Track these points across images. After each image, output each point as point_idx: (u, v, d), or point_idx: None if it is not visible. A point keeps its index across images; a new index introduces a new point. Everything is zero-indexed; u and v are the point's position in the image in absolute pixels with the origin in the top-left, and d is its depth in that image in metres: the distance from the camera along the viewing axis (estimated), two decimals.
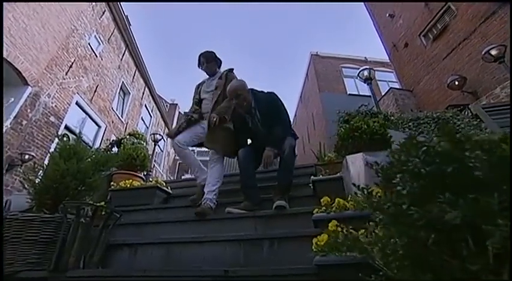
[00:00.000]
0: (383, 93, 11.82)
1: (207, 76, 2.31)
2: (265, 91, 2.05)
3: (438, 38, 5.56)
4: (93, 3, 6.71)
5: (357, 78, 4.35)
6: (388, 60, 13.14)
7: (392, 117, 3.18)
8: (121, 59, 8.59)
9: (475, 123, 2.62)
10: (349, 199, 1.16)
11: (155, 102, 11.97)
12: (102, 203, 2.14)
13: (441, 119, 2.84)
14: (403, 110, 5.72)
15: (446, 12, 5.50)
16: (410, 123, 2.95)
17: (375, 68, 12.55)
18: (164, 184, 2.52)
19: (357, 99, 11.58)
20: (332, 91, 11.83)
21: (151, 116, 11.67)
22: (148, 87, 10.90)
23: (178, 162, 16.79)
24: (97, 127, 7.22)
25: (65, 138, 1.87)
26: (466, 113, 3.02)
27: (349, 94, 11.79)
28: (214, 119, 1.90)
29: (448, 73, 5.16)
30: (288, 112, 1.99)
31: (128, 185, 2.42)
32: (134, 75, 9.65)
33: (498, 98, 4.02)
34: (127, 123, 9.09)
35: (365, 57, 13.34)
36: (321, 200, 1.23)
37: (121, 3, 7.57)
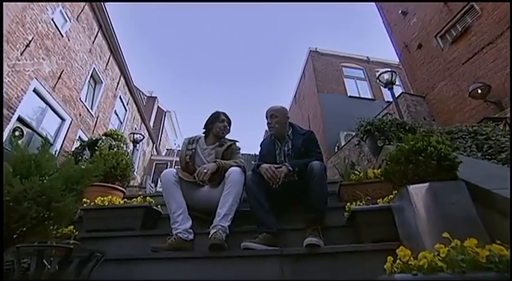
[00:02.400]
0: (386, 98, 12.09)
1: (196, 134, 2.26)
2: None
3: (458, 41, 5.57)
4: None
5: (376, 81, 4.20)
6: (393, 62, 13.51)
7: (421, 130, 3.02)
8: (93, 42, 8.01)
9: None
10: (437, 250, 0.91)
11: (131, 94, 11.38)
12: (71, 227, 1.82)
13: (479, 134, 2.70)
14: (416, 118, 5.68)
15: (468, 12, 5.52)
16: (425, 135, 2.78)
17: (377, 69, 12.71)
18: (153, 201, 2.18)
19: (357, 102, 11.79)
20: (331, 92, 11.82)
21: (126, 110, 11.08)
22: (124, 76, 10.32)
23: (155, 162, 16.18)
24: (60, 120, 6.64)
25: (16, 133, 1.49)
26: (505, 127, 2.91)
27: (350, 96, 11.84)
28: (205, 171, 1.80)
29: (467, 80, 5.16)
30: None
31: (107, 203, 2.07)
32: (108, 61, 9.07)
33: None
34: (98, 117, 8.51)
35: (367, 57, 13.49)
36: (397, 250, 0.98)
37: None
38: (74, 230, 1.80)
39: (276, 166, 1.82)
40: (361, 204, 1.73)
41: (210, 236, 1.59)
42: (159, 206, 2.24)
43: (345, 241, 1.67)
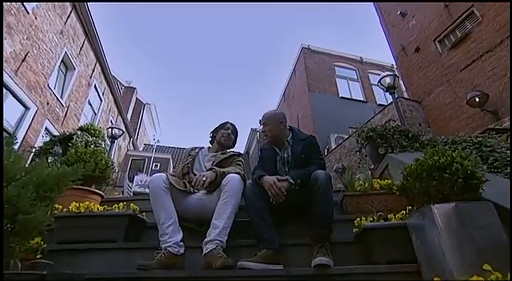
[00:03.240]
0: (378, 100, 12.34)
1: (201, 145, 2.30)
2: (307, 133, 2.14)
3: (457, 46, 5.73)
4: None
5: (377, 85, 4.21)
6: (386, 63, 13.83)
7: (423, 138, 3.04)
8: (65, 23, 7.56)
9: None
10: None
11: (108, 84, 10.91)
12: (38, 239, 1.63)
13: (483, 146, 2.74)
14: (411, 123, 5.79)
15: (468, 18, 5.69)
16: (446, 147, 2.80)
17: (369, 71, 12.95)
18: (137, 208, 2.03)
19: (349, 104, 11.95)
20: (323, 92, 11.92)
21: (102, 100, 10.61)
22: (100, 63, 9.86)
23: (131, 158, 15.66)
24: (23, 109, 6.21)
25: None
26: (507, 139, 2.97)
27: (341, 97, 11.99)
28: (204, 179, 1.75)
29: (465, 87, 5.32)
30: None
31: (83, 210, 1.90)
32: (82, 46, 8.61)
33: None
34: (68, 107, 8.07)
35: (360, 57, 13.72)
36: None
37: None
38: (42, 243, 1.62)
39: (280, 178, 1.77)
40: (371, 219, 1.66)
41: (205, 251, 1.50)
42: (144, 213, 2.09)
43: (354, 259, 1.61)
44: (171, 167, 17.43)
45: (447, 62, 5.88)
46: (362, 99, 12.20)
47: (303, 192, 1.73)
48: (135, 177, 12.91)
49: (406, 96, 10.74)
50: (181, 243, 1.61)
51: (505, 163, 2.48)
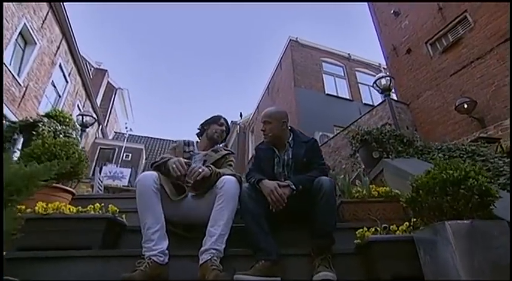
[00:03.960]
0: (364, 100, 12.65)
1: (186, 139, 2.17)
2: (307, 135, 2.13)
3: (448, 51, 5.94)
4: None
5: (372, 86, 4.26)
6: (373, 62, 14.17)
7: (417, 144, 3.11)
8: None
9: None
10: None
11: (75, 64, 10.25)
12: None
13: (476, 155, 2.84)
14: (399, 126, 5.96)
15: (461, 23, 5.90)
16: (440, 155, 2.90)
17: (356, 68, 13.20)
18: (117, 210, 1.88)
19: (335, 102, 12.13)
20: (309, 88, 11.99)
21: (67, 81, 9.95)
22: (67, 40, 9.21)
23: (99, 147, 14.96)
24: None
25: None
26: (497, 149, 3.11)
27: (328, 94, 12.14)
28: (200, 170, 1.69)
29: (454, 92, 5.54)
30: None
31: (51, 212, 1.74)
32: (45, 18, 7.97)
33: (507, 130, 4.43)
34: (27, 87, 7.49)
35: (348, 54, 13.94)
36: None
37: None
38: None
39: (281, 183, 1.72)
40: (373, 230, 1.65)
41: (201, 262, 1.44)
42: (123, 215, 1.95)
43: (354, 272, 1.62)
44: (144, 158, 16.90)
45: (438, 66, 6.09)
46: (348, 97, 12.43)
47: (304, 199, 1.70)
48: (103, 168, 12.40)
49: (394, 97, 11.12)
50: (167, 251, 1.52)
51: (497, 173, 2.58)
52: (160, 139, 19.51)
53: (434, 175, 1.40)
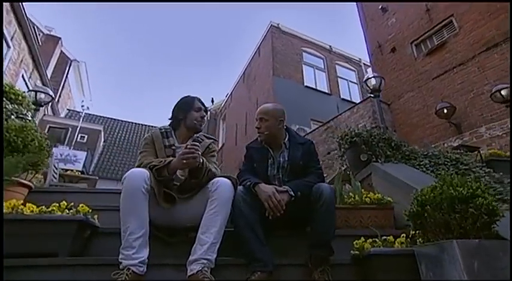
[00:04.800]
0: (342, 95, 12.96)
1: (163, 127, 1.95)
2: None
3: (432, 54, 6.22)
4: None
5: (362, 85, 4.32)
6: (354, 57, 14.51)
7: (404, 148, 3.22)
8: None
9: (493, 174, 2.87)
10: None
11: (21, 27, 9.23)
12: None
13: (460, 163, 3.01)
14: (379, 126, 6.18)
15: (446, 26, 6.19)
16: (426, 161, 3.03)
17: (336, 62, 13.42)
18: (89, 210, 1.72)
19: (313, 94, 12.29)
20: (288, 78, 12.02)
21: (9, 47, 8.97)
22: None
23: (48, 126, 13.86)
24: None
25: None
26: (476, 157, 3.32)
27: (306, 86, 12.27)
28: (195, 155, 1.60)
29: (434, 96, 5.85)
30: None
31: (6, 211, 1.55)
32: None
33: (482, 138, 4.77)
34: None
35: (330, 46, 14.12)
36: None
37: None
38: None
39: (279, 189, 1.70)
40: (370, 240, 1.68)
41: (190, 273, 1.38)
42: (96, 216, 1.79)
43: None
44: (102, 140, 16.00)
45: (421, 68, 6.38)
46: (327, 91, 12.65)
47: (301, 205, 1.69)
48: (54, 149, 11.53)
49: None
50: (147, 260, 1.43)
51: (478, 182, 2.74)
52: (123, 121, 18.50)
53: (443, 191, 1.43)
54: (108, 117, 18.24)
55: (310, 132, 8.71)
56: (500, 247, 1.28)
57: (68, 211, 1.63)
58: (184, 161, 1.56)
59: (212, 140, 1.98)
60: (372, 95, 3.95)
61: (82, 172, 8.68)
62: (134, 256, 1.38)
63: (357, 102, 12.87)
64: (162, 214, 1.65)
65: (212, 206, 1.55)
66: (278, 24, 13.19)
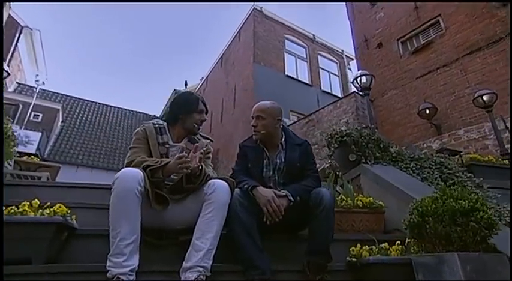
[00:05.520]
0: (323, 87, 13.16)
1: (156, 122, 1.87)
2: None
3: (418, 53, 6.47)
4: None
5: (351, 83, 4.39)
6: (337, 48, 14.71)
7: (391, 149, 3.35)
8: None
9: (473, 179, 3.08)
10: None
11: None
12: None
13: (444, 167, 3.19)
14: (362, 122, 6.38)
15: (433, 26, 6.45)
16: (413, 164, 3.18)
17: (319, 52, 13.55)
18: (68, 211, 1.63)
19: (294, 85, 12.38)
20: (269, 66, 11.98)
21: None
22: None
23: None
24: None
25: None
26: (458, 160, 3.54)
27: (287, 76, 12.31)
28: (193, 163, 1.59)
29: (417, 95, 6.12)
30: None
31: None
32: None
33: (460, 140, 5.09)
34: None
35: (313, 35, 14.20)
36: None
37: None
38: None
39: (277, 193, 1.70)
40: (367, 247, 1.74)
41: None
42: (74, 217, 1.70)
43: None
44: (59, 120, 15.06)
45: (406, 67, 6.63)
46: (307, 82, 12.78)
47: (298, 210, 1.71)
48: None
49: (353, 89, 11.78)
50: (137, 268, 1.39)
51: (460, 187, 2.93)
52: (85, 100, 17.42)
53: (445, 203, 1.51)
54: (68, 96, 17.03)
55: (290, 125, 8.80)
56: (498, 260, 1.38)
57: (42, 212, 1.53)
58: (183, 170, 1.53)
59: (209, 141, 1.95)
60: (361, 93, 4.04)
61: (36, 156, 8.15)
62: (124, 263, 1.34)
63: (338, 95, 13.35)
64: (151, 215, 1.60)
65: (208, 210, 1.54)
66: (261, 8, 13.01)
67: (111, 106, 17.88)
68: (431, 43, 6.31)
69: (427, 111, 5.61)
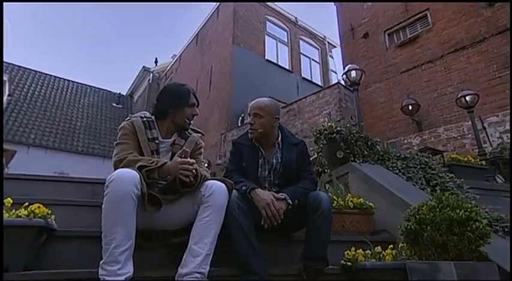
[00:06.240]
0: (303, 73, 13.25)
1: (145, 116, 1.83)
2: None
3: (404, 46, 6.68)
4: None
5: (342, 78, 4.45)
6: (319, 33, 14.78)
7: (378, 147, 3.48)
8: None
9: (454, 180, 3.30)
10: None
11: None
12: None
13: (428, 167, 3.38)
14: (344, 115, 6.57)
15: (421, 20, 6.66)
16: (399, 163, 3.33)
17: (301, 36, 13.56)
18: (49, 211, 1.57)
19: (274, 70, 12.40)
20: (249, 48, 11.86)
21: None
22: None
23: None
24: None
25: None
26: (440, 161, 3.76)
27: (267, 60, 12.26)
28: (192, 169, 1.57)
29: (401, 90, 6.36)
30: None
31: None
32: None
33: (439, 138, 5.39)
34: None
35: (296, 18, 14.15)
36: None
37: None
38: None
39: (276, 196, 1.73)
40: (361, 251, 1.83)
41: None
42: (53, 218, 1.63)
43: None
44: (6, 93, 13.97)
45: (391, 60, 6.83)
46: (288, 68, 12.82)
47: (294, 213, 1.75)
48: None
49: (342, 82, 11.94)
50: (132, 276, 1.39)
51: (443, 188, 3.13)
52: (38, 72, 16.09)
53: (442, 212, 1.62)
54: (17, 65, 15.55)
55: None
56: (490, 269, 1.51)
57: (17, 212, 1.47)
58: (183, 176, 1.52)
59: (200, 135, 1.94)
60: (350, 89, 4.12)
61: None
62: (120, 272, 1.33)
63: (318, 83, 13.55)
64: (140, 216, 1.58)
65: (206, 213, 1.54)
66: None
67: (69, 80, 16.55)
68: (417, 38, 6.54)
69: (410, 107, 5.87)
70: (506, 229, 2.21)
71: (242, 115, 10.21)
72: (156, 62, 17.60)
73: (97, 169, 12.16)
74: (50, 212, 1.55)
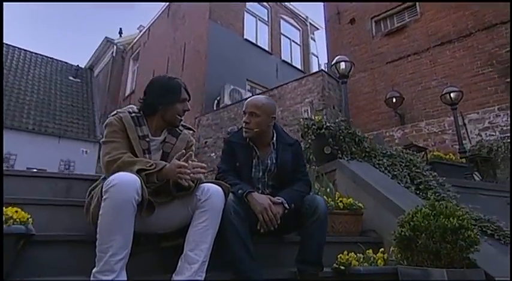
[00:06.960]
0: (283, 56, 13.21)
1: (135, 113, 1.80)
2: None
3: (391, 36, 6.83)
4: None
5: (330, 68, 4.49)
6: (302, 14, 14.70)
7: (365, 143, 3.61)
8: None
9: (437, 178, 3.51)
10: None
11: None
12: None
13: (413, 165, 3.57)
14: (327, 104, 6.69)
15: (409, 9, 6.81)
16: (385, 160, 3.49)
17: (282, 15, 13.45)
18: (30, 216, 1.53)
19: (252, 51, 12.29)
20: (226, 26, 11.62)
21: None
22: None
23: None
24: None
25: None
26: (423, 156, 3.98)
27: (246, 40, 12.09)
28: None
29: (385, 82, 6.54)
30: None
31: None
32: None
33: (421, 132, 5.65)
34: None
35: None
36: None
37: None
38: None
39: (273, 200, 1.78)
40: (352, 254, 1.95)
41: None
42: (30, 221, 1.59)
43: None
44: None
45: (377, 49, 6.98)
46: (267, 49, 12.73)
47: (290, 217, 1.82)
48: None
49: (321, 67, 11.98)
50: None
51: (426, 187, 3.33)
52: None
53: (436, 220, 1.74)
54: None
55: (249, 98, 8.76)
56: (478, 276, 1.67)
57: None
58: (183, 181, 1.52)
59: (192, 132, 1.95)
60: (337, 80, 4.19)
61: None
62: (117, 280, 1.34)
63: (298, 66, 13.60)
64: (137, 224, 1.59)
65: (202, 218, 1.57)
66: None
67: (16, 47, 14.82)
68: (405, 27, 6.71)
69: (394, 100, 6.09)
70: (486, 230, 2.42)
71: (218, 98, 10.10)
72: (120, 33, 16.74)
73: (51, 151, 11.49)
74: (29, 217, 1.51)
